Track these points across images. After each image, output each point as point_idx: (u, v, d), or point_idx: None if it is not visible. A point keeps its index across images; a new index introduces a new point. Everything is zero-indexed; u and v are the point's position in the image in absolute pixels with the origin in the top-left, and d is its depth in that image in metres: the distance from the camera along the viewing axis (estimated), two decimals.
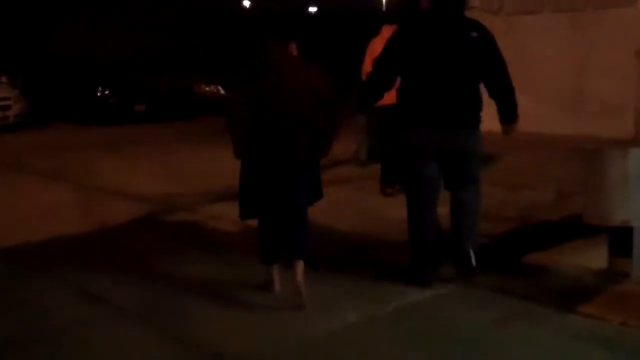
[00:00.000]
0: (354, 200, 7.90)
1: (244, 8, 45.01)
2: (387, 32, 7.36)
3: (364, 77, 7.05)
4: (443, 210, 5.22)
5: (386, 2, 46.47)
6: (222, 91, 20.29)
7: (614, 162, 4.55)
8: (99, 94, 17.53)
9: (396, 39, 5.01)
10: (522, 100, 11.64)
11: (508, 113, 5.15)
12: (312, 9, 44.53)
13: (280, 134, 4.67)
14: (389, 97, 5.15)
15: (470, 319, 4.55)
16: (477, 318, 4.56)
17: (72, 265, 5.81)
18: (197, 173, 9.85)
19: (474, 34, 4.89)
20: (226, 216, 7.15)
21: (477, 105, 4.97)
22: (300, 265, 4.76)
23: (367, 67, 7.20)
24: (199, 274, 5.51)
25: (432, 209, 5.05)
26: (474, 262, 4.96)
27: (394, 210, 6.80)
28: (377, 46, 6.84)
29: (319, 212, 6.27)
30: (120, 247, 6.40)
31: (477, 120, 5.00)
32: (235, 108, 4.83)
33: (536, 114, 12.42)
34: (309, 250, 4.90)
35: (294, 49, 4.97)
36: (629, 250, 4.81)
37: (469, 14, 13.22)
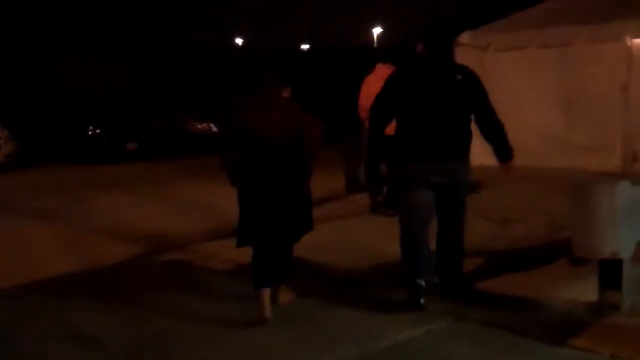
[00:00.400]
0: (345, 235, 7.91)
1: (237, 46, 45.39)
2: (381, 69, 8.12)
3: (361, 112, 8.09)
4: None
5: (377, 39, 46.99)
6: (214, 129, 20.35)
7: (602, 195, 4.60)
8: (90, 132, 17.59)
9: (393, 82, 5.53)
10: (511, 134, 11.86)
11: (503, 151, 5.72)
12: (305, 46, 44.95)
13: (267, 162, 5.28)
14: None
15: (461, 355, 4.55)
16: (468, 353, 4.56)
17: (66, 305, 5.81)
18: (190, 211, 9.85)
19: (459, 77, 5.45)
20: (220, 254, 7.17)
21: (466, 139, 5.50)
22: (286, 286, 5.43)
23: (363, 101, 8.08)
24: (190, 313, 5.49)
25: (426, 230, 5.49)
26: (464, 287, 5.52)
27: (388, 246, 6.85)
28: (372, 83, 7.74)
29: (312, 249, 6.34)
30: (113, 287, 6.38)
31: (466, 152, 5.51)
32: (224, 141, 5.45)
33: (525, 148, 12.51)
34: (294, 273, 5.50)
35: (286, 92, 5.52)
36: (619, 283, 4.85)
37: (458, 50, 13.49)
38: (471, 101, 5.46)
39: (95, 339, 5.03)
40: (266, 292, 5.21)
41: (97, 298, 6.01)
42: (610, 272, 4.87)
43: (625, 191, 4.62)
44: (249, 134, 5.28)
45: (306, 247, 6.03)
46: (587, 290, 5.14)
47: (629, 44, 11.23)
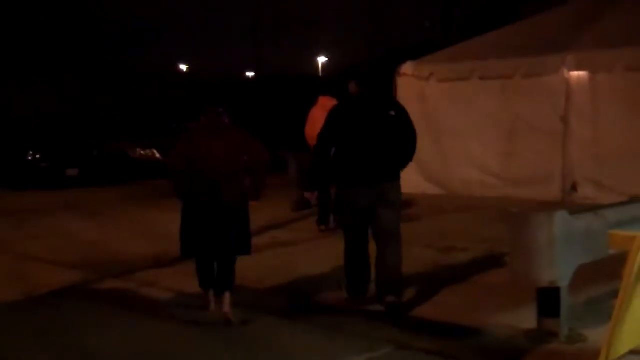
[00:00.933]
0: (290, 261, 7.91)
1: (181, 72, 45.23)
2: (323, 102, 9.16)
3: (308, 140, 9.08)
4: None
5: (322, 67, 47.35)
6: (157, 155, 20.16)
7: (540, 225, 4.69)
8: (29, 157, 17.22)
9: (333, 117, 6.22)
10: (452, 164, 12.29)
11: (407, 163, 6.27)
12: (250, 74, 45.03)
13: (209, 185, 5.78)
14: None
15: None
16: None
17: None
18: (131, 238, 9.73)
19: (392, 113, 6.12)
20: (160, 282, 7.08)
21: (396, 166, 6.14)
22: (227, 297, 5.80)
23: (309, 131, 9.21)
24: (129, 344, 5.39)
25: (366, 245, 6.17)
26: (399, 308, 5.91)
27: (333, 272, 6.89)
28: (316, 114, 8.86)
29: (257, 275, 6.34)
30: (46, 317, 6.18)
31: (397, 176, 6.13)
32: (175, 160, 6.08)
33: (465, 178, 12.76)
34: (234, 285, 5.89)
35: (226, 118, 6.11)
36: (557, 311, 4.93)
37: (400, 80, 13.64)
38: (401, 134, 6.12)
39: None
40: (209, 291, 6.00)
41: (33, 328, 5.85)
42: (548, 300, 4.96)
43: (563, 221, 4.71)
44: (197, 157, 5.86)
45: (252, 274, 6.00)
46: (526, 318, 5.23)
47: (566, 76, 11.54)
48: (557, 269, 4.74)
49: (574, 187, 11.54)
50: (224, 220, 5.78)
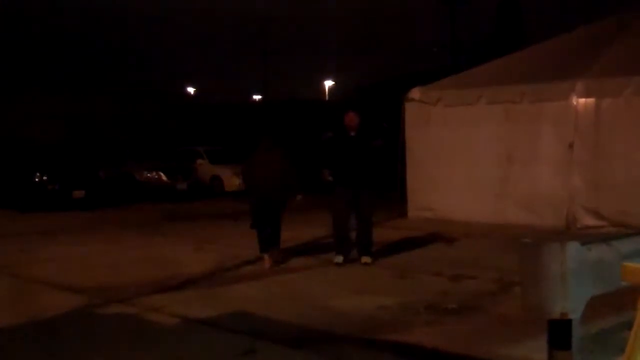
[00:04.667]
0: (298, 290, 7.85)
1: (189, 95, 45.41)
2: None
3: None
4: None
5: (328, 92, 47.46)
6: (163, 177, 20.18)
7: (553, 256, 4.61)
8: (36, 179, 17.24)
9: (330, 140, 9.60)
10: (455, 188, 12.25)
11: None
12: (257, 97, 45.18)
13: (266, 189, 9.26)
14: None
15: None
16: None
17: None
18: (137, 262, 9.69)
19: (379, 143, 9.41)
20: (165, 308, 7.01)
21: (373, 176, 9.28)
22: (275, 252, 9.34)
23: None
24: None
25: (348, 219, 9.36)
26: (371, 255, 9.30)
27: (338, 301, 6.81)
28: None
29: (261, 303, 6.24)
30: (50, 342, 6.13)
31: (372, 183, 9.26)
32: (247, 173, 9.75)
33: (470, 204, 12.69)
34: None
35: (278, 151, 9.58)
36: (569, 343, 4.84)
37: (408, 105, 13.67)
38: (380, 156, 9.42)
39: None
40: (266, 254, 9.19)
41: (36, 354, 5.78)
42: (559, 331, 4.86)
43: (576, 251, 4.64)
44: (257, 176, 9.37)
45: (258, 302, 5.90)
46: (537, 349, 5.14)
47: (575, 103, 11.50)
48: (569, 301, 4.65)
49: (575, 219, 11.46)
50: (275, 205, 9.31)
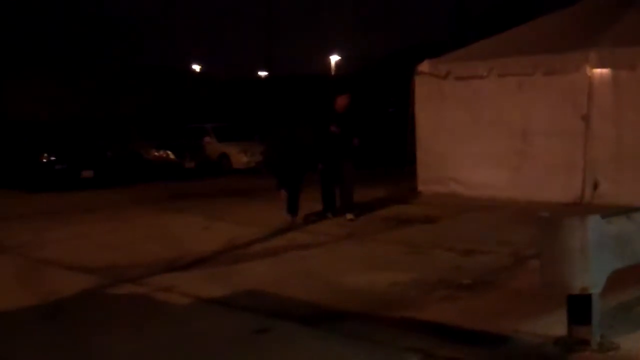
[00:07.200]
0: (310, 267, 7.78)
1: (194, 72, 45.22)
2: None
3: None
4: None
5: (335, 67, 47.19)
6: (171, 156, 20.11)
7: (573, 230, 4.51)
8: (44, 160, 17.16)
9: (323, 122, 11.10)
10: (467, 162, 12.06)
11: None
12: (263, 73, 44.96)
13: (292, 157, 10.67)
14: None
15: None
16: None
17: (12, 343, 5.52)
18: (147, 241, 9.62)
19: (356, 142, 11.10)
20: (176, 287, 6.94)
21: (350, 149, 10.95)
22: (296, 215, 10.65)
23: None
24: (144, 350, 5.26)
25: (332, 187, 11.10)
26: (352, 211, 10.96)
27: (351, 278, 6.73)
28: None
29: (275, 281, 6.16)
30: (60, 323, 6.08)
31: (350, 155, 10.95)
32: (271, 148, 11.77)
33: (482, 177, 12.55)
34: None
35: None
36: (589, 318, 4.75)
37: (418, 78, 13.49)
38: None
39: None
40: (295, 217, 10.49)
41: (47, 335, 5.73)
42: (579, 306, 4.77)
43: (596, 225, 4.53)
44: (286, 148, 10.80)
45: (269, 280, 5.80)
46: (555, 325, 5.05)
47: (589, 74, 11.31)
48: (590, 276, 4.57)
49: (595, 187, 11.30)
50: (300, 170, 10.69)
